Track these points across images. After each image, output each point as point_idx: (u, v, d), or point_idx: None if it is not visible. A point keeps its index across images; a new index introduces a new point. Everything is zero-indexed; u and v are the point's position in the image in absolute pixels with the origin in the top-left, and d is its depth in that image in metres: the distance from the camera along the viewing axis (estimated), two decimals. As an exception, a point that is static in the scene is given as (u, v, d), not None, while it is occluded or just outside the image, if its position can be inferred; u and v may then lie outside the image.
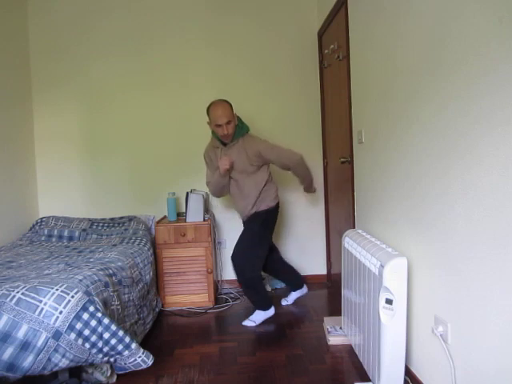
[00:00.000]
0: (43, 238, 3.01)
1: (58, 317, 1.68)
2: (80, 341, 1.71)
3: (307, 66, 3.37)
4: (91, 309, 1.75)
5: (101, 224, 3.16)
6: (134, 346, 1.82)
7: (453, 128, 1.39)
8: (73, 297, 1.73)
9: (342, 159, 2.66)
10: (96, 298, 1.81)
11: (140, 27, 3.32)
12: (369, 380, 1.87)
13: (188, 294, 2.96)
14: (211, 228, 3.02)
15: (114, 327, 1.78)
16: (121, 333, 1.79)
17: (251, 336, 2.46)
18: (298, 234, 3.45)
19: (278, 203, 2.70)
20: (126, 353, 1.81)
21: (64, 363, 1.70)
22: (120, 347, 1.79)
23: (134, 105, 3.35)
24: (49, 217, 3.21)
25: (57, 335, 1.67)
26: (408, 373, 1.80)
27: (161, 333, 2.56)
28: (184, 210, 3.12)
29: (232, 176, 2.63)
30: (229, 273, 3.35)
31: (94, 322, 1.74)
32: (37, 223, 3.16)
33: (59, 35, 3.31)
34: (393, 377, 1.70)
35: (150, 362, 1.90)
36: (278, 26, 3.35)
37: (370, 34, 2.13)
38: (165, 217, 3.25)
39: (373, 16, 2.08)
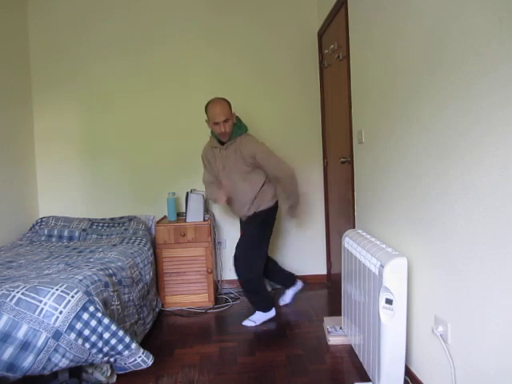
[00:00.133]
0: (43, 238, 3.01)
1: (58, 317, 1.68)
2: (80, 341, 1.71)
3: (307, 66, 3.37)
4: (91, 309, 1.75)
5: (101, 224, 3.16)
6: (133, 345, 1.82)
7: (453, 128, 1.39)
8: (73, 297, 1.73)
9: (342, 159, 2.66)
10: (96, 298, 1.81)
11: (140, 27, 3.32)
12: (369, 380, 1.87)
13: (188, 293, 2.96)
14: (211, 228, 3.02)
15: (113, 327, 1.78)
16: (121, 333, 1.79)
17: (251, 336, 2.46)
18: (298, 233, 3.45)
19: (276, 202, 2.69)
20: (126, 353, 1.81)
21: (64, 363, 1.70)
22: (120, 347, 1.79)
23: (134, 105, 3.35)
24: (49, 217, 3.21)
25: (57, 335, 1.67)
26: (408, 373, 1.80)
27: (161, 333, 2.56)
28: (184, 210, 3.12)
29: (228, 176, 2.61)
30: (229, 273, 3.35)
31: (94, 322, 1.74)
32: (37, 223, 3.16)
33: (59, 35, 3.31)
34: (393, 377, 1.70)
35: (150, 362, 1.90)
36: (278, 26, 3.35)
37: (370, 34, 2.13)
38: (165, 217, 3.25)
39: (373, 16, 2.08)
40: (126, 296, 2.21)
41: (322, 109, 3.34)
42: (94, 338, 1.73)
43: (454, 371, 1.44)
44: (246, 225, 2.69)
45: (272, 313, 2.65)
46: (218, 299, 3.08)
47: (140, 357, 1.86)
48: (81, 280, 1.85)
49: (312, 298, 3.06)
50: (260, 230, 2.62)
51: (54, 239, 3.02)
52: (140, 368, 1.90)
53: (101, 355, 1.77)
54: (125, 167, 3.38)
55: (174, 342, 2.41)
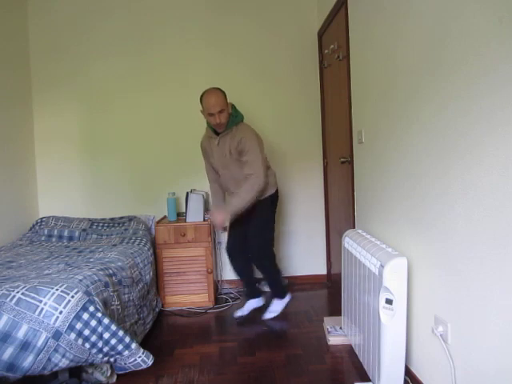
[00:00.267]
0: (43, 238, 3.01)
1: (58, 317, 1.68)
2: (80, 341, 1.71)
3: (307, 66, 3.37)
4: (91, 309, 1.75)
5: (101, 224, 3.16)
6: (133, 345, 1.82)
7: (453, 128, 1.39)
8: (73, 297, 1.73)
9: (342, 159, 2.66)
10: (96, 298, 1.81)
11: (140, 27, 3.32)
12: (369, 380, 1.87)
13: (188, 294, 2.96)
14: (211, 228, 3.02)
15: (113, 327, 1.78)
16: (121, 333, 1.79)
17: (251, 336, 2.46)
18: (298, 233, 3.45)
19: (277, 190, 2.66)
20: (126, 353, 1.81)
21: (64, 363, 1.70)
22: (120, 347, 1.79)
23: (133, 104, 3.35)
24: (49, 217, 3.21)
25: (57, 335, 1.67)
26: (408, 373, 1.80)
27: (161, 333, 2.56)
28: (184, 210, 3.12)
29: (225, 166, 2.56)
30: (229, 273, 3.35)
31: (94, 322, 1.74)
32: (37, 223, 3.16)
33: (59, 35, 3.31)
34: (393, 377, 1.70)
35: (150, 362, 1.90)
36: (278, 26, 3.35)
37: (370, 34, 2.13)
38: (165, 217, 3.25)
39: (373, 16, 2.08)
40: (126, 296, 2.21)
41: (322, 109, 3.34)
42: (94, 338, 1.73)
43: (453, 371, 1.44)
44: (249, 215, 2.55)
45: (289, 297, 2.74)
46: (217, 299, 3.08)
47: (140, 357, 1.86)
48: (81, 280, 1.85)
49: (312, 297, 3.06)
50: (269, 214, 2.62)
51: (54, 239, 3.02)
52: (140, 368, 1.90)
53: (101, 355, 1.77)
54: (125, 167, 3.38)
55: (174, 341, 2.41)
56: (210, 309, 2.91)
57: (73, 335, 1.69)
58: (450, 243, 1.44)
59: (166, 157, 3.38)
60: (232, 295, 3.18)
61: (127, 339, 1.80)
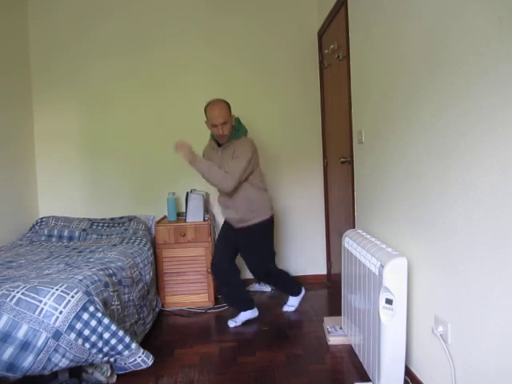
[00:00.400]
0: (43, 238, 3.01)
1: (58, 317, 1.68)
2: (80, 341, 1.71)
3: (307, 66, 3.37)
4: (91, 309, 1.75)
5: (101, 224, 3.16)
6: (133, 345, 1.82)
7: (453, 128, 1.39)
8: (73, 297, 1.73)
9: (342, 159, 2.66)
10: (96, 298, 1.81)
11: (140, 27, 3.32)
12: (369, 380, 1.87)
13: (188, 294, 2.96)
14: (211, 228, 3.02)
15: (113, 327, 1.78)
16: (121, 333, 1.79)
17: (251, 336, 2.46)
18: (298, 233, 3.45)
19: (272, 216, 2.57)
20: (126, 353, 1.81)
21: (64, 363, 1.70)
22: (120, 347, 1.79)
23: (133, 104, 3.35)
24: (49, 217, 3.21)
25: (57, 335, 1.67)
26: (408, 373, 1.80)
27: (161, 333, 2.56)
28: (184, 210, 3.12)
29: None
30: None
31: (94, 322, 1.74)
32: (37, 223, 3.16)
33: (59, 35, 3.31)
34: (393, 377, 1.70)
35: (150, 362, 1.90)
36: (278, 26, 3.35)
37: (370, 33, 2.13)
38: (165, 217, 3.25)
39: (373, 16, 2.08)
40: (126, 296, 2.21)
41: (322, 109, 3.34)
42: (94, 338, 1.73)
43: (454, 371, 1.44)
44: (245, 240, 2.55)
45: (303, 292, 2.85)
46: (217, 299, 3.08)
47: (140, 357, 1.86)
48: (81, 280, 1.85)
49: (312, 298, 3.06)
50: (270, 240, 2.61)
51: (54, 239, 3.02)
52: (140, 368, 1.90)
53: (101, 355, 1.77)
54: (125, 167, 3.38)
55: (174, 341, 2.41)
56: (210, 309, 2.91)
57: (73, 335, 1.69)
58: (450, 243, 1.44)
59: (166, 157, 3.37)
60: (232, 295, 3.18)
61: (127, 339, 1.80)
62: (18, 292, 1.71)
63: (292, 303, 2.83)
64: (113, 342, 1.77)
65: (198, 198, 3.00)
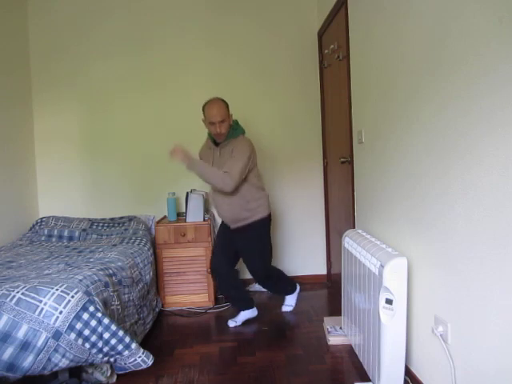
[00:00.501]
0: (43, 238, 3.01)
1: (58, 317, 1.68)
2: (80, 341, 1.71)
3: (307, 66, 3.37)
4: (91, 309, 1.75)
5: (101, 224, 3.16)
6: (133, 345, 1.82)
7: (453, 128, 1.39)
8: (73, 297, 1.73)
9: (342, 159, 2.66)
10: (96, 298, 1.81)
11: (140, 27, 3.32)
12: (369, 380, 1.87)
13: (188, 294, 2.96)
14: (211, 228, 3.02)
15: (113, 327, 1.78)
16: (121, 333, 1.79)
17: (251, 336, 2.46)
18: (298, 233, 3.45)
19: (270, 214, 2.56)
20: (126, 353, 1.81)
21: (64, 363, 1.70)
22: (120, 347, 1.79)
23: (133, 104, 3.35)
24: (49, 217, 3.21)
25: (57, 335, 1.67)
26: (408, 373, 1.80)
27: (161, 333, 2.56)
28: (184, 210, 3.12)
29: None
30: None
31: (94, 322, 1.74)
32: (37, 223, 3.16)
33: (59, 35, 3.31)
34: (393, 377, 1.70)
35: (150, 361, 1.90)
36: (278, 26, 3.35)
37: (370, 33, 2.13)
38: (165, 217, 3.25)
39: (373, 16, 2.08)
40: (126, 296, 2.21)
41: (322, 109, 3.34)
42: (94, 338, 1.73)
43: (454, 371, 1.44)
44: (242, 240, 2.55)
45: (298, 288, 2.85)
46: (217, 299, 3.08)
47: (140, 357, 1.86)
48: (81, 280, 1.85)
49: (312, 297, 3.06)
50: (267, 239, 2.59)
51: (54, 239, 3.02)
52: (140, 368, 1.90)
53: (101, 355, 1.77)
54: (125, 167, 3.38)
55: (174, 341, 2.41)
56: (210, 309, 2.91)
57: (73, 335, 1.69)
58: (450, 243, 1.44)
59: (166, 157, 3.36)
60: (232, 295, 3.18)
61: (127, 339, 1.80)
62: (18, 292, 1.71)
63: (290, 302, 2.83)
64: (113, 342, 1.77)
65: (198, 198, 3.00)
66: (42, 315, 1.67)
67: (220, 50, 3.34)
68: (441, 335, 1.51)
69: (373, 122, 2.16)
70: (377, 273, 1.72)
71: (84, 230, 3.08)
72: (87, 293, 1.79)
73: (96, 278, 1.94)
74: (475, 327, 1.32)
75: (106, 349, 1.76)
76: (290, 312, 2.80)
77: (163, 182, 3.38)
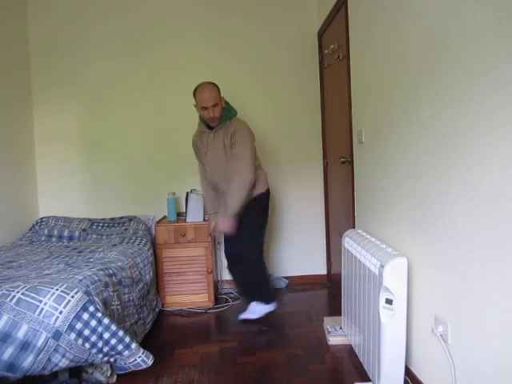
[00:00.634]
0: (43, 238, 3.01)
1: (58, 317, 1.68)
2: (80, 341, 1.71)
3: (307, 66, 3.37)
4: (91, 309, 1.75)
5: (101, 224, 3.16)
6: (133, 345, 1.82)
7: (453, 128, 1.39)
8: (73, 297, 1.73)
9: (342, 159, 2.66)
10: (96, 298, 1.81)
11: (140, 27, 3.32)
12: (369, 380, 1.87)
13: (188, 293, 2.96)
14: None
15: (114, 327, 1.78)
16: (121, 333, 1.79)
17: (251, 336, 2.46)
18: (298, 233, 3.45)
19: (268, 190, 2.59)
20: (126, 353, 1.81)
21: (64, 363, 1.70)
22: (120, 347, 1.79)
23: (133, 104, 3.35)
24: (49, 217, 3.21)
25: (57, 335, 1.67)
26: (408, 373, 1.80)
27: (161, 333, 2.56)
28: (184, 210, 3.12)
29: (216, 161, 2.52)
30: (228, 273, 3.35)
31: (94, 322, 1.74)
32: (37, 223, 3.16)
33: (59, 35, 3.31)
34: (393, 377, 1.70)
35: (150, 361, 1.90)
36: (278, 26, 3.35)
37: (370, 33, 2.13)
38: (165, 217, 3.25)
39: (373, 16, 2.08)
40: (126, 296, 2.21)
41: (322, 109, 3.34)
42: (94, 338, 1.73)
43: (454, 371, 1.44)
44: (240, 217, 2.49)
45: (273, 306, 2.62)
46: (217, 299, 3.08)
47: (140, 357, 1.86)
48: (81, 280, 1.85)
49: (312, 297, 3.06)
50: (260, 218, 2.56)
51: (54, 239, 3.02)
52: (140, 368, 1.90)
53: (101, 355, 1.77)
54: (125, 167, 3.38)
55: (174, 341, 2.41)
56: (210, 309, 2.91)
57: (73, 335, 1.69)
58: (450, 243, 1.44)
59: (166, 157, 3.38)
60: (232, 295, 3.18)
61: (127, 339, 1.80)
62: (18, 292, 1.71)
63: (254, 311, 2.61)
64: (113, 341, 1.77)
65: (198, 198, 3.00)
66: (42, 315, 1.67)
67: (220, 50, 3.34)
68: (441, 335, 1.51)
69: (373, 122, 2.16)
70: (377, 273, 1.72)
71: (84, 230, 3.08)
72: (87, 293, 1.79)
73: (96, 278, 1.94)
74: (475, 327, 1.32)
75: (106, 349, 1.76)
76: (290, 312, 2.79)
77: (163, 182, 3.38)
